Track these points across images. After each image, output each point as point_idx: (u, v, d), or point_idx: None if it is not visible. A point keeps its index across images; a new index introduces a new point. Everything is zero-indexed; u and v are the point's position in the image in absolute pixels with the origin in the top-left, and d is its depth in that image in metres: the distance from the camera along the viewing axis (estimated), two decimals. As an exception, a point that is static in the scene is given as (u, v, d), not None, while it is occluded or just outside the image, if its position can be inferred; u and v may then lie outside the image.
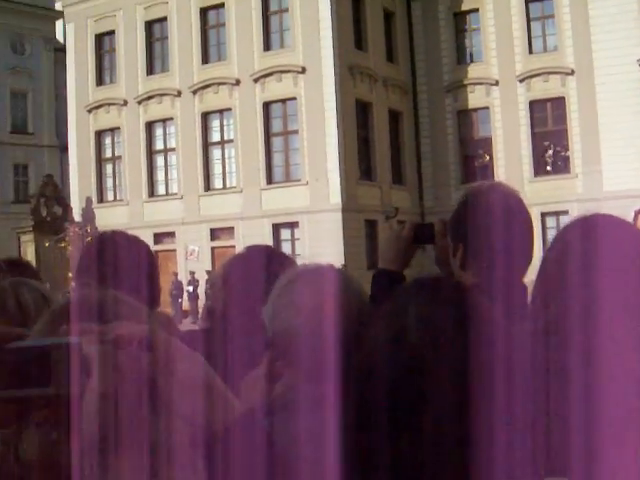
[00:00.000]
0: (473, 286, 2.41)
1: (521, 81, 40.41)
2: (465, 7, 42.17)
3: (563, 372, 1.72)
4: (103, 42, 44.16)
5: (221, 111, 40.13)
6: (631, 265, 1.76)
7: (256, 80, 38.89)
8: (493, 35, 41.20)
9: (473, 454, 1.36)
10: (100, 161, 43.62)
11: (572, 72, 39.57)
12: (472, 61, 42.22)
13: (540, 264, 2.03)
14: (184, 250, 39.46)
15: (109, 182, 43.53)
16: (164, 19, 41.87)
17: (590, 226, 1.89)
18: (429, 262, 3.06)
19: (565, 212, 38.26)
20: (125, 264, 2.74)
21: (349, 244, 36.46)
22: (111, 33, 43.55)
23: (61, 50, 49.96)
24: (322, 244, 35.64)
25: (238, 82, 39.34)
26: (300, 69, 37.89)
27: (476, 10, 42.00)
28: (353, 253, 36.42)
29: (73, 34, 44.85)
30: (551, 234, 36.66)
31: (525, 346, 1.84)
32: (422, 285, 1.60)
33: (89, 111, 43.49)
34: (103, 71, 44.10)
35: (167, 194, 41.38)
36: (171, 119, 41.28)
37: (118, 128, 42.89)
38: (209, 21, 41.05)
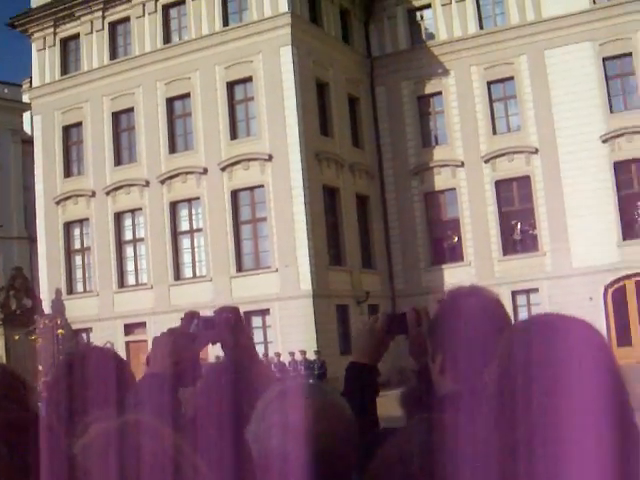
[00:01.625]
0: (452, 394, 2.40)
1: (486, 161, 40.87)
2: (428, 90, 42.80)
3: None
4: (70, 134, 44.33)
5: (189, 200, 40.24)
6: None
7: (223, 169, 39.09)
8: (457, 117, 41.78)
9: None
10: (69, 252, 43.46)
11: (536, 151, 40.09)
12: (437, 143, 42.75)
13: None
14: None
15: (79, 273, 43.33)
16: (131, 110, 42.16)
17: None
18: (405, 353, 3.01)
19: (535, 290, 38.62)
20: (97, 382, 2.71)
21: (321, 330, 36.38)
22: (78, 125, 43.75)
23: (28, 142, 50.00)
24: (294, 330, 35.59)
25: (206, 171, 39.53)
26: (267, 157, 38.15)
27: (439, 93, 42.65)
28: (325, 339, 36.33)
29: (40, 126, 45.01)
30: (522, 312, 36.83)
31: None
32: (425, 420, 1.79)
33: (57, 203, 43.47)
34: (71, 163, 44.18)
35: (137, 284, 41.23)
36: (140, 209, 41.33)
37: (87, 219, 42.85)
38: (175, 111, 41.37)
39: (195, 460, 1.58)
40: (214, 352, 2.87)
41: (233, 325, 2.87)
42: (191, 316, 2.85)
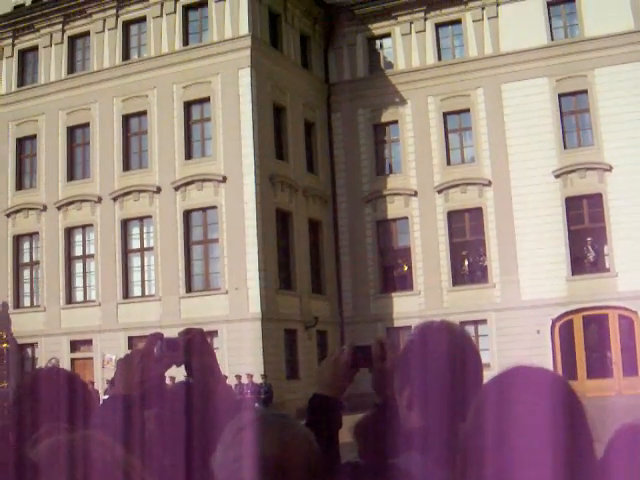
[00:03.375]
0: (417, 428, 2.40)
1: (439, 192, 41.09)
2: (385, 119, 43.00)
3: None
4: (24, 146, 43.93)
5: (141, 218, 40.02)
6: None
7: (177, 188, 38.96)
8: (412, 147, 42.00)
9: None
10: (18, 266, 42.95)
11: (489, 183, 40.39)
12: (391, 172, 42.93)
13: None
14: (101, 358, 38.82)
15: (26, 287, 42.80)
16: (86, 125, 41.90)
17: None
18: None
19: (484, 321, 38.79)
20: (56, 402, 2.76)
21: (268, 353, 36.29)
22: (33, 137, 43.36)
23: (-18, 152, 49.60)
24: (242, 353, 35.44)
25: (159, 190, 39.37)
26: (221, 178, 38.09)
27: (395, 122, 42.86)
28: (272, 362, 36.28)
29: (-7, 137, 44.61)
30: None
31: None
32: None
33: (8, 215, 42.99)
34: (23, 175, 43.76)
35: (85, 301, 40.86)
36: (91, 225, 41.03)
37: (37, 233, 42.43)
38: (131, 128, 41.19)
39: (144, 476, 1.58)
40: (178, 374, 2.87)
41: (197, 347, 2.85)
42: (155, 338, 2.83)
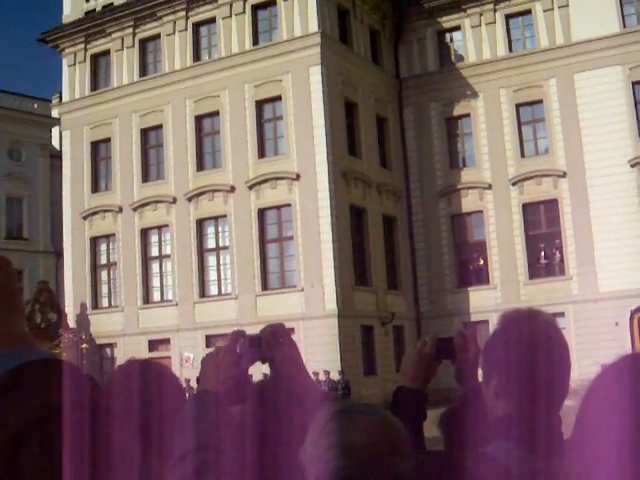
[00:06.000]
0: (505, 417, 2.36)
1: (514, 184, 40.74)
2: (457, 112, 42.78)
3: None
4: (99, 149, 44.55)
5: (216, 218, 40.30)
6: None
7: (251, 187, 39.16)
8: (485, 139, 41.69)
9: None
10: (95, 267, 43.57)
11: (564, 174, 39.93)
12: (465, 165, 42.68)
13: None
14: (179, 357, 39.15)
15: (104, 288, 43.41)
16: (159, 127, 42.31)
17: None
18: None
19: (561, 314, 38.25)
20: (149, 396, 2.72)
21: (345, 350, 36.31)
22: (107, 140, 43.97)
23: (57, 157, 50.33)
24: (318, 350, 35.46)
25: (233, 189, 39.60)
26: (294, 176, 38.19)
27: (467, 115, 42.61)
28: (349, 359, 36.29)
29: (69, 141, 45.27)
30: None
31: None
32: None
33: (84, 218, 43.63)
34: (99, 178, 44.40)
35: (162, 301, 41.27)
36: (166, 226, 41.44)
37: (113, 235, 42.99)
38: (204, 129, 41.50)
39: None
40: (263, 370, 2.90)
41: (279, 340, 2.87)
42: (237, 335, 2.85)
